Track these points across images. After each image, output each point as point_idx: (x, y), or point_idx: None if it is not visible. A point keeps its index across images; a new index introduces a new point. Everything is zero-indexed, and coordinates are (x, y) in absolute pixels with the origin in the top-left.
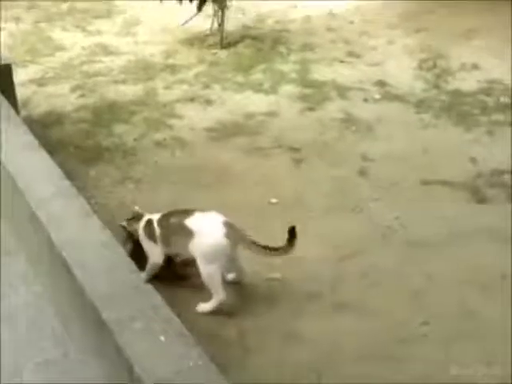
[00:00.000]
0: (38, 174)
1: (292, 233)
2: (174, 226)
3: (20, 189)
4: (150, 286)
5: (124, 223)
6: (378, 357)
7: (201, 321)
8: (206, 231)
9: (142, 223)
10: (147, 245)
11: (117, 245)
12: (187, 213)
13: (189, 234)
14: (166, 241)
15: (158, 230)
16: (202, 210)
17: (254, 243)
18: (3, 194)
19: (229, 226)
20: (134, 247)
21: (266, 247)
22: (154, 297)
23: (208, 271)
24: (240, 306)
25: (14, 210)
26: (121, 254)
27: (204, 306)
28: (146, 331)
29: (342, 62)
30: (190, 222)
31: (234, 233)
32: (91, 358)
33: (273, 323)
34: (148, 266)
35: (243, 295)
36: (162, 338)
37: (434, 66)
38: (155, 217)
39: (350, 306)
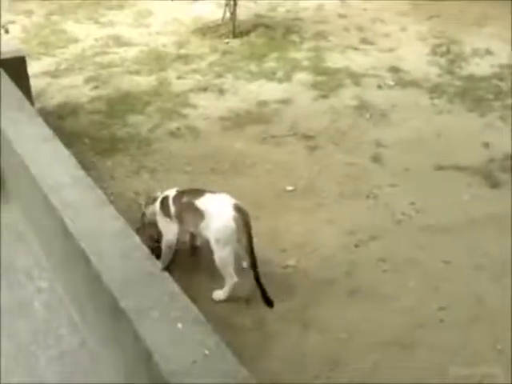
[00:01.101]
0: (53, 164)
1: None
2: (185, 205)
3: (36, 179)
4: (166, 274)
5: (142, 203)
6: (395, 343)
7: (218, 308)
8: (216, 214)
9: (159, 200)
10: (162, 222)
11: (132, 234)
12: (198, 193)
13: (199, 214)
14: (179, 217)
15: (172, 208)
16: (214, 191)
17: (250, 242)
18: (20, 184)
19: (238, 208)
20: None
21: (253, 258)
22: (170, 284)
23: (221, 254)
24: (257, 293)
25: (29, 200)
26: (136, 243)
27: (219, 294)
28: (163, 319)
29: (355, 49)
30: (200, 202)
31: (242, 216)
32: (107, 346)
33: (289, 310)
34: (163, 246)
35: None
36: (180, 326)
37: (448, 51)
38: (171, 193)
39: (365, 292)
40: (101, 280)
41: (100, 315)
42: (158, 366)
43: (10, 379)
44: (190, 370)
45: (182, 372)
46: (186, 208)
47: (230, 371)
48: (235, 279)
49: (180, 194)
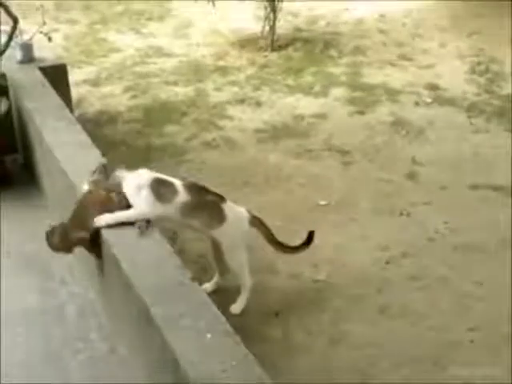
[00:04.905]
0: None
1: (310, 237)
2: (210, 203)
3: (74, 186)
4: (195, 284)
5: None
6: (423, 361)
7: (247, 319)
8: (236, 220)
9: (149, 177)
10: (141, 196)
11: (163, 241)
12: (220, 196)
13: (221, 218)
14: (187, 210)
15: (184, 196)
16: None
17: (272, 236)
18: (58, 191)
19: (252, 216)
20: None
21: (281, 243)
22: (200, 294)
23: (238, 259)
24: (286, 306)
25: (66, 206)
26: (169, 251)
27: (236, 307)
28: (192, 328)
29: (393, 65)
30: (227, 206)
31: (253, 216)
32: (136, 352)
33: (318, 324)
34: (131, 214)
35: (289, 296)
36: (208, 336)
37: (487, 70)
38: (177, 182)
39: (396, 309)
40: (132, 287)
41: (130, 322)
42: (186, 375)
43: (38, 380)
44: (217, 380)
45: (209, 382)
46: (209, 207)
47: (257, 382)
48: (250, 283)
49: (197, 188)
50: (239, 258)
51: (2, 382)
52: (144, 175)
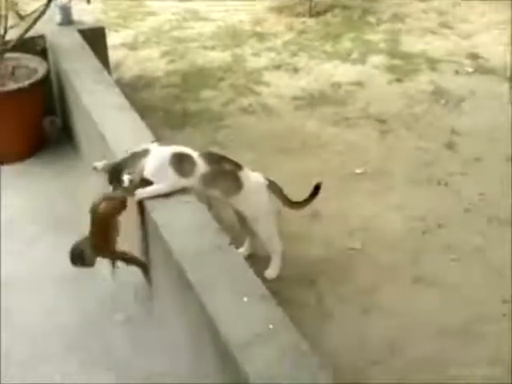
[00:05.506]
0: (128, 135)
1: (316, 189)
2: (227, 173)
3: (111, 149)
4: (233, 248)
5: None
6: (454, 333)
7: (280, 285)
8: (253, 187)
9: (167, 154)
10: (164, 174)
11: (202, 207)
12: (238, 164)
13: (238, 185)
14: (208, 181)
15: (203, 167)
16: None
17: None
18: (96, 153)
19: (270, 182)
20: None
21: (288, 199)
22: (237, 259)
23: (263, 225)
24: (320, 273)
25: (104, 172)
26: (206, 216)
27: (270, 272)
28: (229, 292)
29: (433, 33)
30: (243, 174)
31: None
32: (174, 316)
33: (351, 293)
34: (154, 188)
35: (324, 264)
36: (245, 300)
37: None
38: (194, 154)
39: (430, 279)
40: (171, 251)
41: (169, 285)
42: (223, 338)
43: (76, 343)
44: (253, 341)
45: (246, 343)
46: (226, 175)
47: (294, 346)
48: (281, 248)
49: (212, 156)
50: (264, 223)
51: (37, 343)
52: (161, 154)
